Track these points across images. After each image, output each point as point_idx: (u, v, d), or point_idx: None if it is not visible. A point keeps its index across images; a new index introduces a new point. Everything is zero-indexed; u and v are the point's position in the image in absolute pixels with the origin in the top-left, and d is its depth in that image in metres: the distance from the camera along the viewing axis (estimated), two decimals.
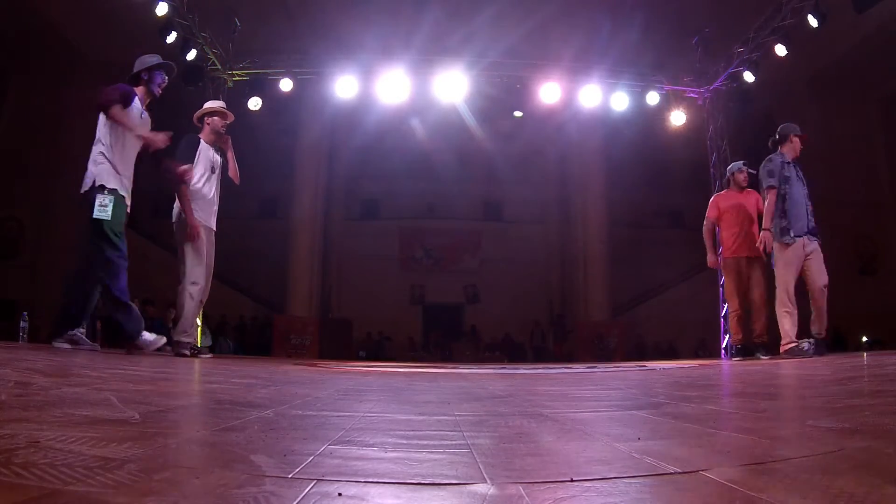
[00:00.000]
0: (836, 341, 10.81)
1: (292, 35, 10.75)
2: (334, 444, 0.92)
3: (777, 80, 10.65)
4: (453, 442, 0.98)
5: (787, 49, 8.07)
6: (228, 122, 4.55)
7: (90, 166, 3.77)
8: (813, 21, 7.53)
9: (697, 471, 0.73)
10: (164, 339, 4.00)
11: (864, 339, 10.87)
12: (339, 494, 0.64)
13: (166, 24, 7.70)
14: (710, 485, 0.67)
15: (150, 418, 1.08)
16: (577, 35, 10.23)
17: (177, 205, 4.32)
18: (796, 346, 4.40)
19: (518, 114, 11.49)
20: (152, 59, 4.09)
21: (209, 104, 4.63)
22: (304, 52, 9.70)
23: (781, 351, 4.51)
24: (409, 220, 16.99)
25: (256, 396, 1.72)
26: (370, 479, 0.70)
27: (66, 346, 3.68)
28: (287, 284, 13.04)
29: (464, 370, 4.35)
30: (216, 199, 4.49)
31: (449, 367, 5.01)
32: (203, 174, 4.34)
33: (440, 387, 2.45)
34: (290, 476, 0.70)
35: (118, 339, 3.89)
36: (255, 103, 8.90)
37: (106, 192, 3.70)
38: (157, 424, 1.04)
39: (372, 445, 0.93)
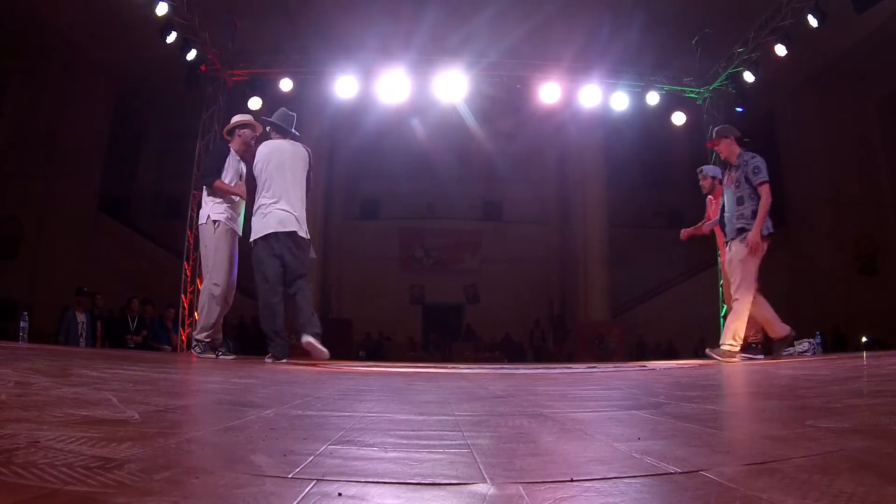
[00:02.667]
0: (836, 341, 10.81)
1: (292, 35, 10.75)
2: (334, 444, 0.92)
3: (777, 80, 10.65)
4: (453, 442, 0.98)
5: (787, 49, 8.06)
6: (258, 135, 4.67)
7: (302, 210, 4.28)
8: (813, 21, 7.53)
9: (697, 471, 0.73)
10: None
11: (864, 339, 10.85)
12: (339, 494, 0.64)
13: (166, 24, 7.69)
14: (710, 485, 0.67)
15: (150, 418, 1.08)
16: (577, 35, 10.23)
17: (203, 209, 4.56)
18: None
19: None
20: (285, 115, 4.40)
21: (239, 117, 4.78)
22: (304, 52, 9.68)
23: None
24: (409, 220, 16.98)
25: (256, 396, 1.72)
26: (370, 479, 0.70)
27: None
28: None
29: (464, 370, 4.34)
30: (243, 205, 4.70)
31: (449, 367, 5.00)
32: (232, 181, 4.55)
33: (440, 387, 2.45)
34: (290, 476, 0.70)
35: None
36: (255, 103, 8.90)
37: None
38: (157, 424, 1.04)
39: (372, 445, 0.93)
